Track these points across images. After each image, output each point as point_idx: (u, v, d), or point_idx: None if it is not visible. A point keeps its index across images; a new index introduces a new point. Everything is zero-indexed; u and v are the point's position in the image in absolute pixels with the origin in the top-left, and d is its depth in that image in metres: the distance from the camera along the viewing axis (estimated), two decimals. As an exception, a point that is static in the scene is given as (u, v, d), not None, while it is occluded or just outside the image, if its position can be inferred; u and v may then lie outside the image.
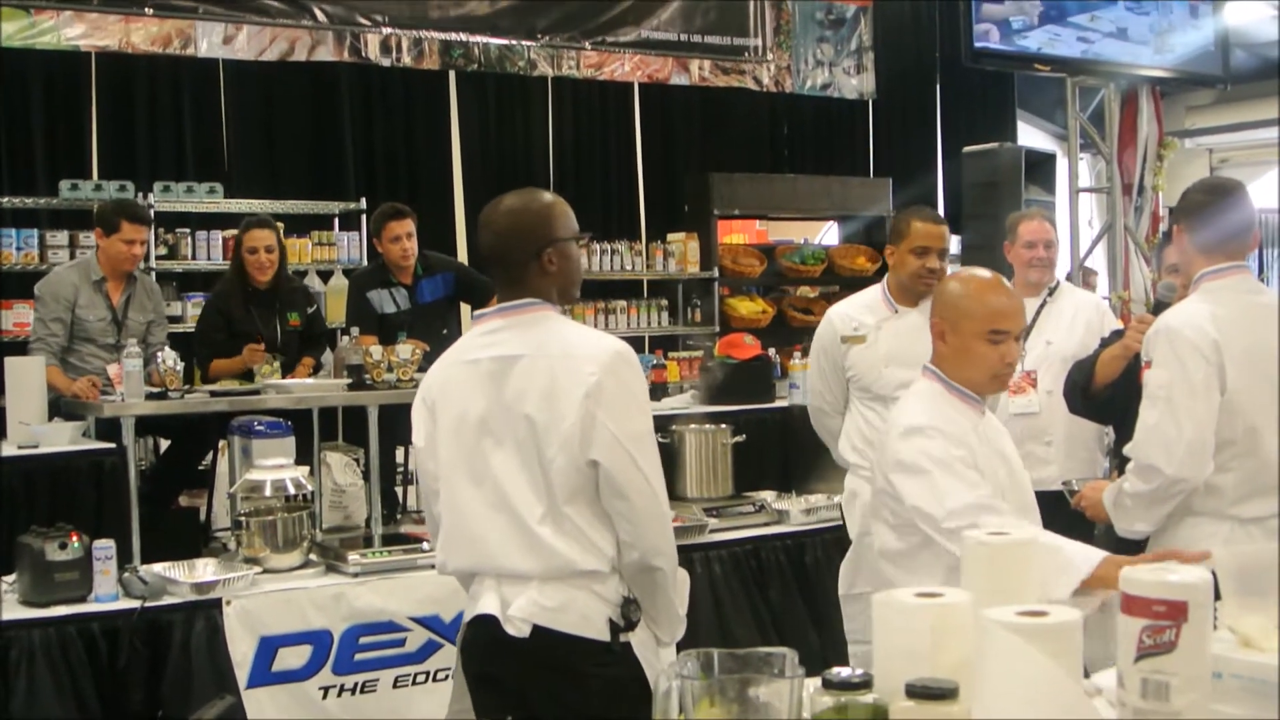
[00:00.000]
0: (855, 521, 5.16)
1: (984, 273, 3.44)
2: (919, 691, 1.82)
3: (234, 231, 8.69)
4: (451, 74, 10.00)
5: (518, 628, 3.04)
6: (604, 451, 3.00)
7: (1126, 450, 3.84)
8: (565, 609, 3.04)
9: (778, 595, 6.11)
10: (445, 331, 7.13)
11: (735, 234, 11.47)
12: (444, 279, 7.53)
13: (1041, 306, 5.56)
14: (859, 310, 5.26)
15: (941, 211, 11.76)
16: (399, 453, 7.58)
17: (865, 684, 1.85)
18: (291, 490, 5.36)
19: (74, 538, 4.79)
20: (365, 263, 8.99)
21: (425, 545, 5.39)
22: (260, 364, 6.66)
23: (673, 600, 3.18)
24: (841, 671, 1.86)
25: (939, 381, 3.36)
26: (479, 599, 3.13)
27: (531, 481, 3.05)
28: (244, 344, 6.87)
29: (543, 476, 3.04)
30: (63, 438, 5.86)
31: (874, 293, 5.27)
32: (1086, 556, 2.88)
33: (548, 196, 3.26)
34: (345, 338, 7.10)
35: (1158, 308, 4.31)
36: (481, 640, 3.14)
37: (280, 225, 7.51)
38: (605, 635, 3.05)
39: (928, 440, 3.19)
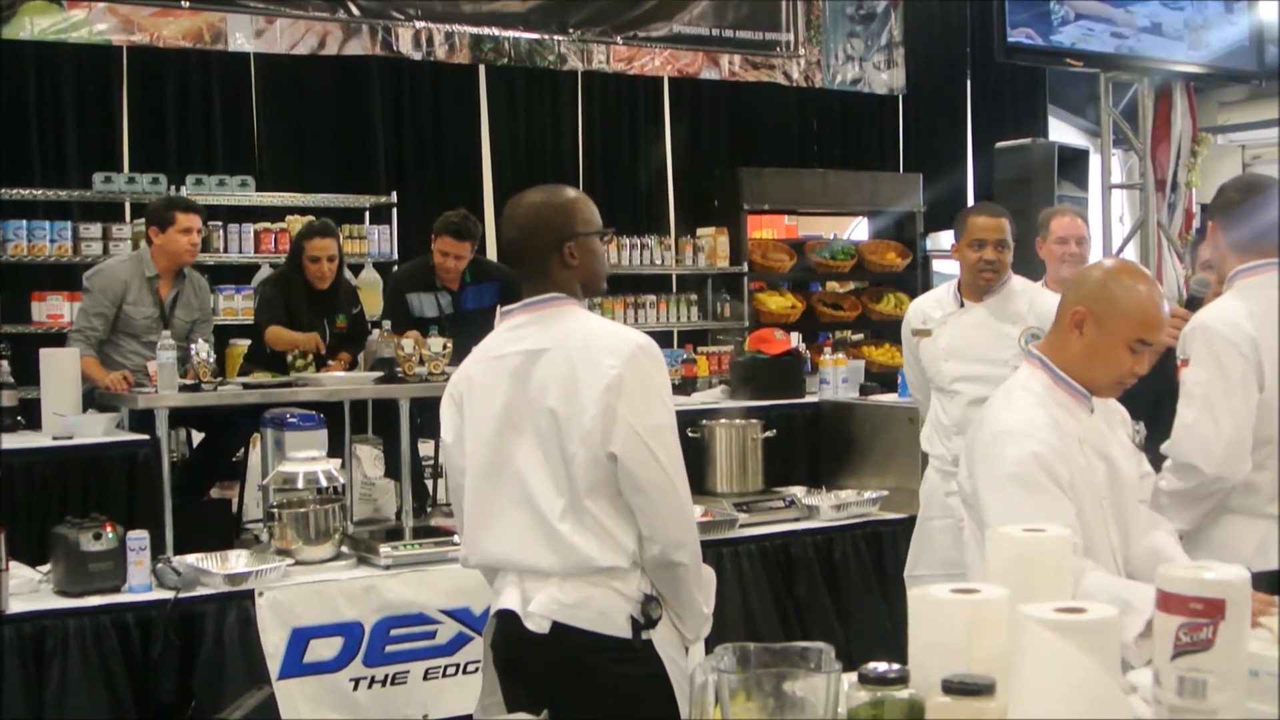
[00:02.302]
0: (922, 506, 5.43)
1: (1139, 270, 3.18)
2: (955, 687, 1.81)
3: (266, 225, 8.78)
4: (482, 68, 10.01)
5: (537, 624, 3.05)
6: (622, 445, 3.00)
7: (1164, 449, 3.81)
8: (584, 605, 3.04)
9: (804, 591, 6.11)
10: (481, 338, 7.07)
11: (765, 229, 11.47)
12: (490, 288, 7.43)
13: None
14: (930, 304, 5.45)
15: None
16: (429, 445, 7.60)
17: (902, 679, 1.85)
18: (323, 482, 5.38)
19: (108, 528, 4.82)
20: (396, 257, 9.01)
21: (456, 538, 5.37)
22: (310, 353, 6.69)
23: (696, 597, 3.16)
24: (878, 667, 1.86)
25: (1046, 372, 3.12)
26: (501, 594, 3.16)
27: (553, 475, 3.06)
28: None
29: (564, 470, 3.05)
30: (97, 429, 5.90)
31: (948, 287, 5.42)
32: (1145, 595, 2.56)
33: (570, 192, 3.27)
34: (376, 330, 7.12)
35: (1191, 303, 4.30)
36: (505, 634, 3.16)
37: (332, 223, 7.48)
38: (626, 632, 3.05)
39: (1019, 449, 2.98)
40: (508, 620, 3.12)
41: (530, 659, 3.11)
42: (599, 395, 3.00)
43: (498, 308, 7.49)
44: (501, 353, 3.18)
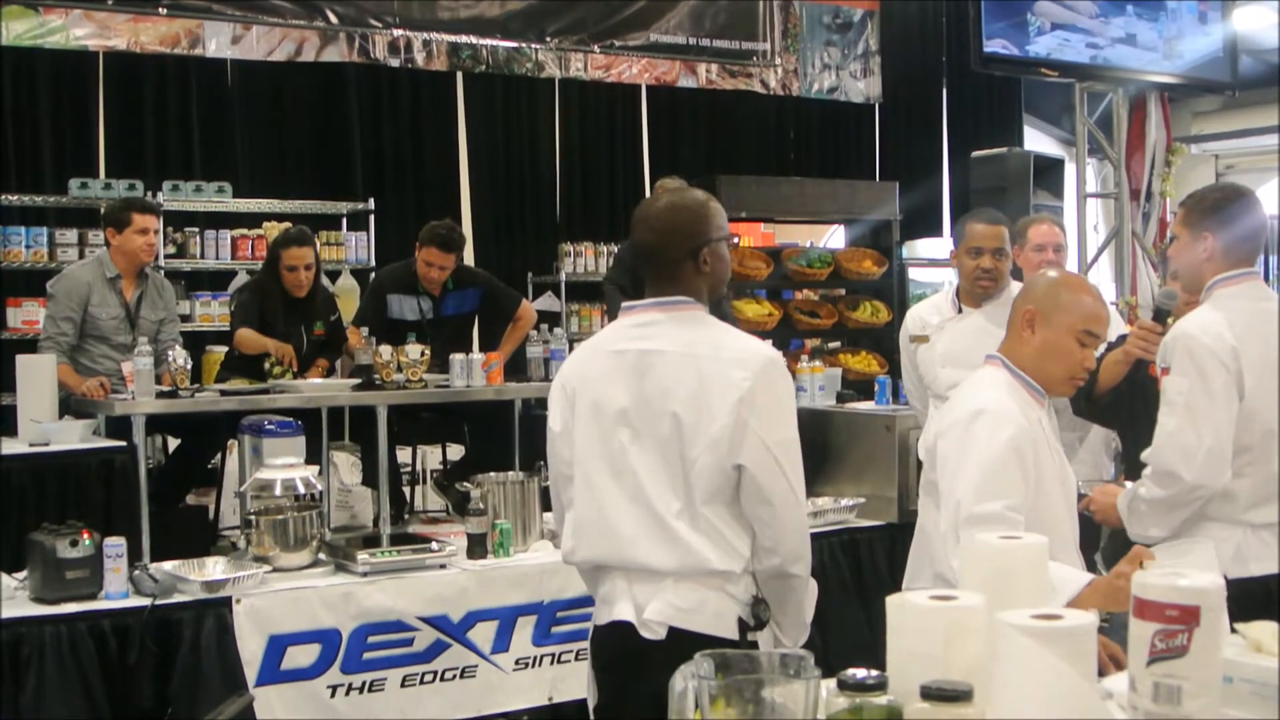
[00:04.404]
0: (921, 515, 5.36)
1: (1081, 276, 3.43)
2: (934, 693, 1.82)
3: (243, 231, 8.77)
4: (459, 75, 10.04)
5: (654, 631, 3.04)
6: (752, 457, 3.01)
7: (1144, 456, 3.84)
8: (699, 609, 3.05)
9: (783, 597, 6.11)
10: (458, 344, 7.08)
11: (742, 236, 11.47)
12: (471, 295, 7.47)
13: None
14: (928, 310, 5.44)
15: (947, 216, 11.83)
16: (406, 452, 7.59)
17: (880, 685, 1.86)
18: (301, 489, 5.37)
19: (85, 535, 4.79)
20: (374, 263, 9.01)
21: (434, 545, 5.40)
22: (284, 364, 6.67)
23: (802, 606, 3.20)
24: (857, 673, 1.87)
25: (1004, 370, 3.32)
26: (613, 603, 3.14)
27: (670, 478, 3.06)
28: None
29: (683, 475, 3.05)
30: (73, 436, 5.88)
31: (946, 294, 5.44)
32: (1068, 579, 2.95)
33: (701, 196, 3.26)
34: (351, 333, 7.13)
35: (1157, 315, 4.31)
36: (614, 646, 3.14)
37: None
38: (735, 634, 3.06)
39: (995, 431, 3.16)
40: (620, 631, 3.10)
41: (643, 667, 3.04)
42: (730, 407, 3.01)
43: (477, 315, 7.57)
44: (622, 348, 3.16)
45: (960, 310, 5.26)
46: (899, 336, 5.62)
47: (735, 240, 3.48)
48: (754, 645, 3.07)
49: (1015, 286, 5.20)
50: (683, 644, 2.98)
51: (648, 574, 3.07)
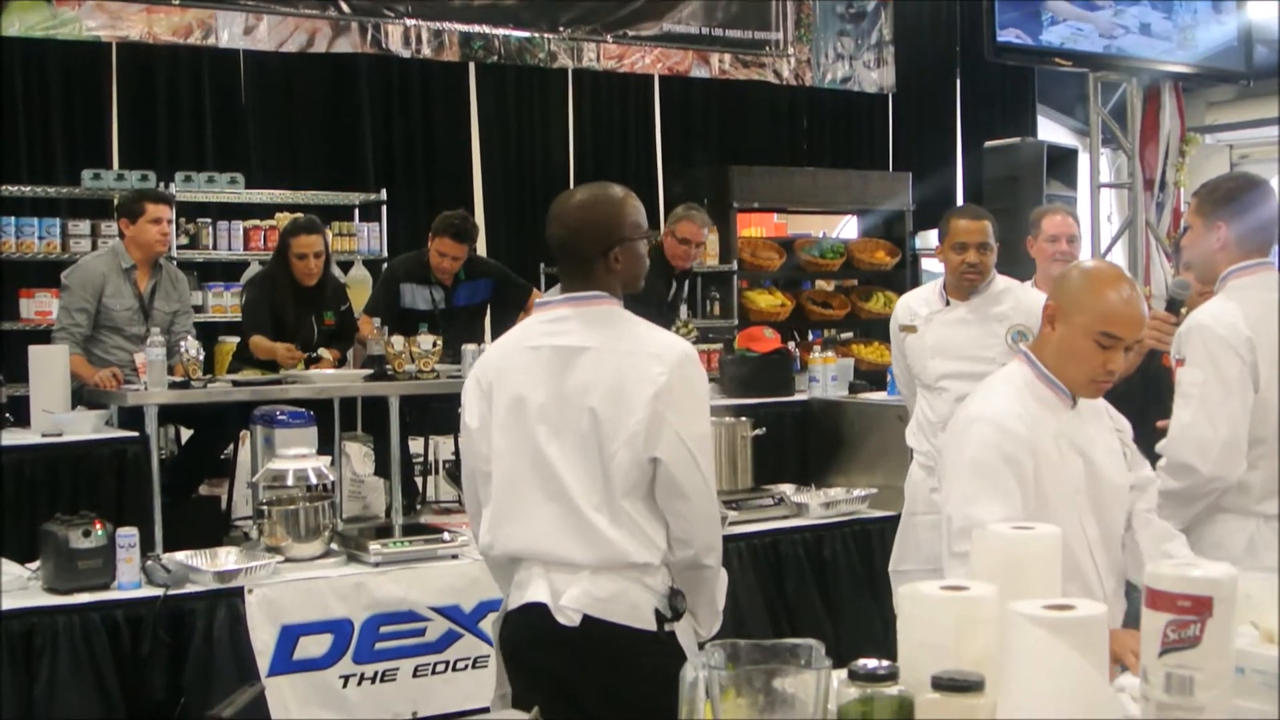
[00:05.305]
0: (906, 501, 5.49)
1: (1114, 269, 3.22)
2: (945, 684, 1.82)
3: (255, 222, 8.77)
4: (471, 66, 10.02)
5: (569, 617, 3.05)
6: (668, 450, 3.03)
7: (1159, 448, 3.82)
8: (617, 599, 3.06)
9: (794, 588, 6.11)
10: (470, 335, 7.09)
11: (754, 227, 11.48)
12: (483, 285, 7.50)
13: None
14: (917, 301, 5.51)
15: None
16: (419, 443, 7.60)
17: (891, 676, 1.86)
18: (313, 480, 5.38)
19: (97, 526, 4.80)
20: (386, 254, 9.00)
21: (445, 535, 5.41)
22: (292, 367, 6.68)
23: (715, 595, 3.24)
24: (868, 663, 1.86)
25: (1030, 366, 3.16)
26: (526, 587, 3.13)
27: (589, 473, 3.07)
28: (281, 335, 6.89)
29: (601, 469, 3.05)
30: (86, 426, 5.89)
31: (934, 286, 5.51)
32: None
33: (618, 193, 3.24)
34: (362, 323, 7.14)
35: (1170, 305, 4.30)
36: (529, 628, 3.14)
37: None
38: (652, 625, 3.08)
39: (984, 436, 3.04)
40: (534, 613, 3.10)
41: (555, 652, 3.10)
42: (647, 401, 3.02)
43: (489, 305, 7.58)
44: (537, 344, 3.17)
45: (948, 303, 5.34)
46: (889, 325, 5.67)
47: (657, 238, 3.46)
48: (671, 636, 3.09)
49: (1002, 280, 5.29)
50: (596, 633, 3.04)
51: (565, 565, 3.08)
